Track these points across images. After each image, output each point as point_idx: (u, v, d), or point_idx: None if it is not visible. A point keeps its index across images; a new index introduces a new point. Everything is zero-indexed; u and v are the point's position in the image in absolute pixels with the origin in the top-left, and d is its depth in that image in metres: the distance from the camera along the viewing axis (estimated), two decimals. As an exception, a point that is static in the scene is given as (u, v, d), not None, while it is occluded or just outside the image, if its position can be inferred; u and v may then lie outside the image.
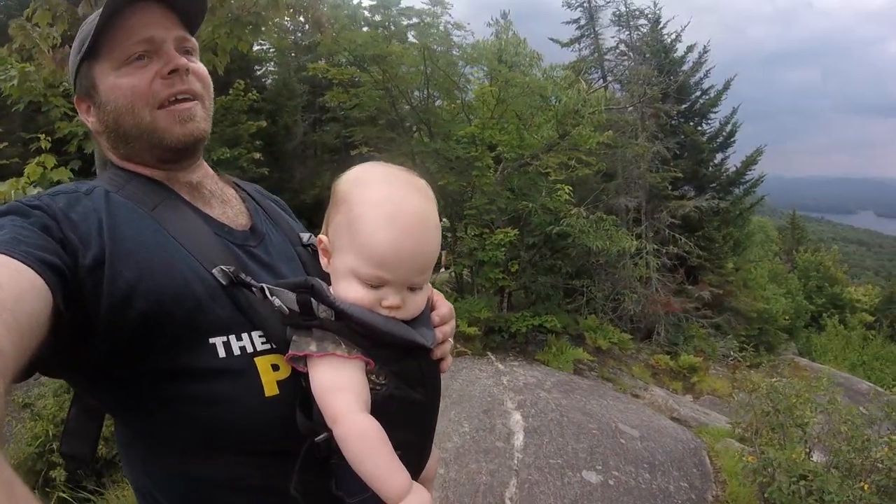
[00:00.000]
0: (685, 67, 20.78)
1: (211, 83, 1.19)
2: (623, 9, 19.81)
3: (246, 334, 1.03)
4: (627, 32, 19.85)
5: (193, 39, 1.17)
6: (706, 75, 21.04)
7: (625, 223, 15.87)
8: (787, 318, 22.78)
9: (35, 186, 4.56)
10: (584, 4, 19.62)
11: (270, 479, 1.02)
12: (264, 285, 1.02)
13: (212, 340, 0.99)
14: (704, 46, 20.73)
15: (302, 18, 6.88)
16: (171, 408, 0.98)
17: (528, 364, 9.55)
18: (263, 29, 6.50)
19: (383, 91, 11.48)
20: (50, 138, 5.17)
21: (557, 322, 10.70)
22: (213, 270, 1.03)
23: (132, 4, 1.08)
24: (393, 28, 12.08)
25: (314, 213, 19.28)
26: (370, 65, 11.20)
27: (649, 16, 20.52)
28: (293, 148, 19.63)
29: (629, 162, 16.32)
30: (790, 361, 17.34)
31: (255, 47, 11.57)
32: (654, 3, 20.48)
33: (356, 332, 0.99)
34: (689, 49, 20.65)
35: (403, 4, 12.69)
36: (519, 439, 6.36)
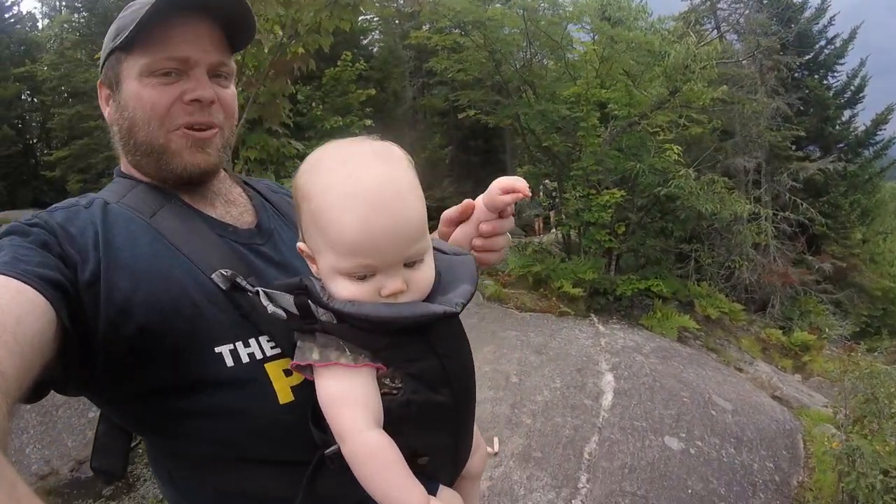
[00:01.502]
0: (806, 14, 19.13)
1: (235, 111, 1.16)
2: None
3: (253, 340, 0.99)
4: None
5: (232, 64, 1.14)
6: (830, 22, 19.25)
7: (743, 185, 15.15)
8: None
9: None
10: None
11: (298, 489, 0.96)
12: (260, 289, 0.95)
13: (218, 349, 0.96)
14: None
15: None
16: (185, 423, 0.96)
17: (631, 328, 9.41)
18: (362, 9, 6.72)
19: (487, 54, 11.41)
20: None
21: (665, 287, 10.39)
22: (213, 275, 0.99)
23: (178, 14, 1.04)
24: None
25: (427, 174, 19.81)
26: (471, 30, 11.18)
27: None
28: (403, 113, 20.07)
29: (747, 119, 15.37)
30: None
31: (360, 18, 11.82)
32: None
33: (364, 331, 0.89)
34: None
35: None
36: (608, 399, 6.41)
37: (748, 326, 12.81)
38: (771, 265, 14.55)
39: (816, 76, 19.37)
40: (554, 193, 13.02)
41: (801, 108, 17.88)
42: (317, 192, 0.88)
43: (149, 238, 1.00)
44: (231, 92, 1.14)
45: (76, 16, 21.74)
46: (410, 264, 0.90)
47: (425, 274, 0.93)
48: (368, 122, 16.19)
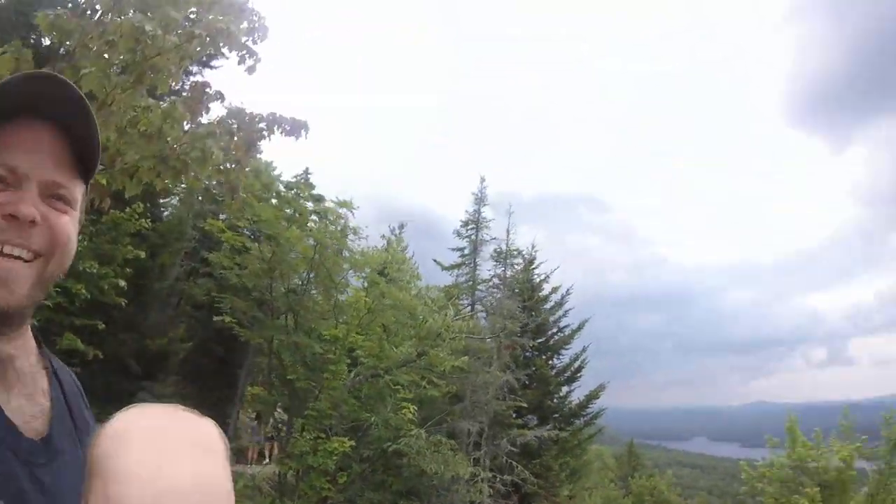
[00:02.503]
0: (548, 306, 23.46)
1: (69, 245, 0.95)
2: (504, 247, 22.19)
3: None
4: (503, 268, 22.10)
5: (74, 191, 0.97)
6: (565, 314, 23.66)
7: (465, 446, 16.24)
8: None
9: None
10: (472, 236, 21.78)
11: None
12: None
13: None
14: (568, 289, 23.79)
15: (221, 179, 7.08)
16: None
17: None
18: (183, 177, 6.71)
19: (267, 268, 11.74)
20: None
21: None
22: None
23: (15, 118, 0.91)
24: (297, 212, 12.58)
25: (154, 364, 18.29)
26: (264, 241, 11.56)
27: (525, 255, 23.43)
28: (161, 289, 18.91)
29: (478, 387, 16.96)
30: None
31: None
32: (532, 245, 23.85)
33: None
34: (554, 290, 23.73)
35: (316, 191, 13.31)
36: None
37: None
38: (486, 523, 15.36)
39: (545, 356, 23.03)
40: (281, 426, 12.89)
41: (527, 382, 20.67)
42: (117, 478, 0.70)
43: None
44: (66, 220, 0.94)
45: None
46: None
47: None
48: (122, 283, 15.19)
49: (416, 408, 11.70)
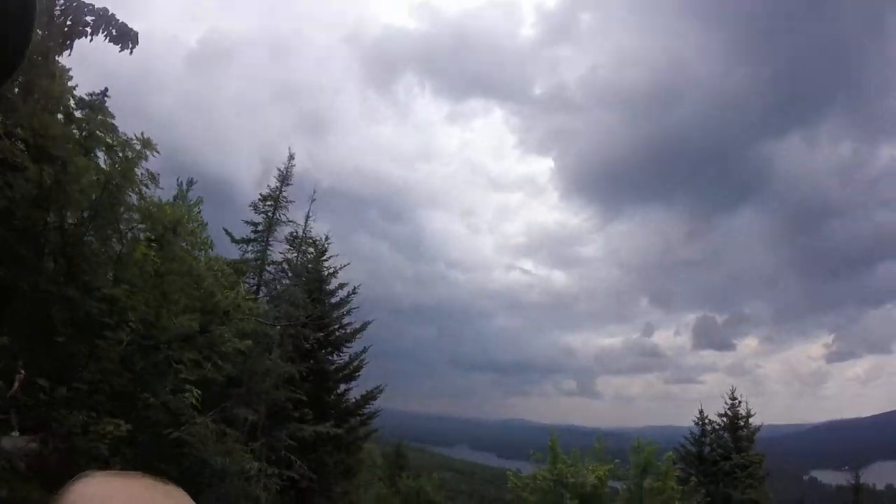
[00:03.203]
0: (334, 300, 22.52)
1: None
2: (300, 232, 21.06)
3: None
4: (296, 254, 20.96)
5: None
6: (349, 312, 22.89)
7: (242, 435, 14.78)
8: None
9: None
10: (269, 213, 20.10)
11: None
12: None
13: None
14: (354, 288, 22.89)
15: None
16: None
17: None
18: None
19: (42, 195, 9.38)
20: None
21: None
22: None
23: None
24: (86, 136, 10.17)
25: None
26: (45, 161, 9.19)
27: (319, 245, 22.32)
28: None
29: (257, 374, 15.65)
30: None
31: None
32: (325, 236, 22.68)
33: None
34: (342, 286, 22.73)
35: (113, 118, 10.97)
36: None
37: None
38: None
39: (324, 350, 22.01)
40: (41, 394, 10.16)
41: (306, 375, 19.43)
42: None
43: None
44: None
45: None
46: None
47: None
48: None
49: (199, 393, 10.15)
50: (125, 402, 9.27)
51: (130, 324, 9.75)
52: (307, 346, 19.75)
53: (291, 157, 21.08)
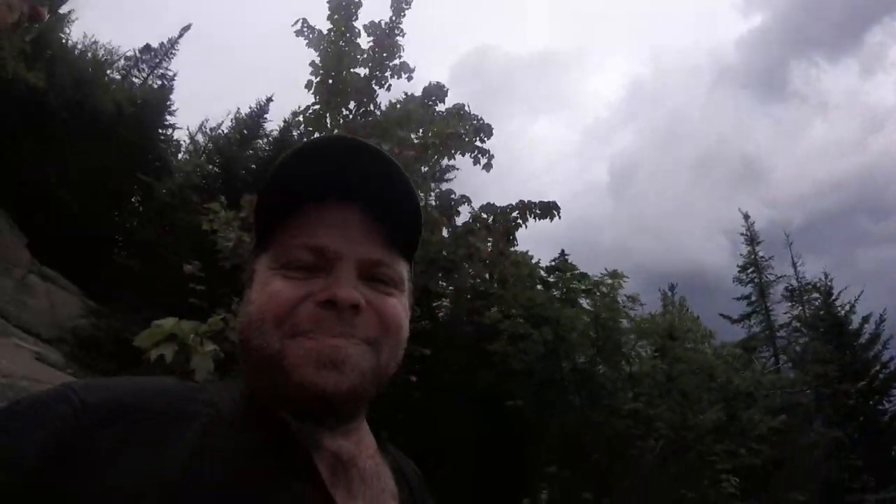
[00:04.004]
0: (862, 340, 19.31)
1: (402, 331, 0.83)
2: (794, 283, 19.65)
3: None
4: (800, 308, 19.32)
5: (397, 267, 0.84)
6: (884, 346, 19.29)
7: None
8: None
9: (205, 344, 4.44)
10: (755, 280, 19.26)
11: None
12: None
13: None
14: (880, 315, 19.42)
15: (489, 275, 7.39)
16: None
17: None
18: (455, 276, 7.07)
19: (550, 350, 11.61)
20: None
21: None
22: None
23: (319, 201, 0.81)
24: (566, 291, 12.50)
25: (447, 453, 18.99)
26: (542, 324, 11.51)
27: (821, 288, 19.91)
28: (449, 382, 19.95)
29: (802, 450, 14.49)
30: None
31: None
32: (825, 274, 20.08)
33: None
34: (865, 320, 19.45)
35: (578, 269, 13.23)
36: None
37: None
38: None
39: (871, 402, 18.65)
40: None
41: (856, 436, 16.99)
42: None
43: None
44: (394, 302, 0.82)
45: (210, 166, 23.99)
46: None
47: None
48: (414, 378, 16.32)
49: (737, 480, 10.28)
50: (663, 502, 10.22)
51: (659, 430, 10.78)
52: (850, 402, 17.56)
53: (747, 217, 20.32)
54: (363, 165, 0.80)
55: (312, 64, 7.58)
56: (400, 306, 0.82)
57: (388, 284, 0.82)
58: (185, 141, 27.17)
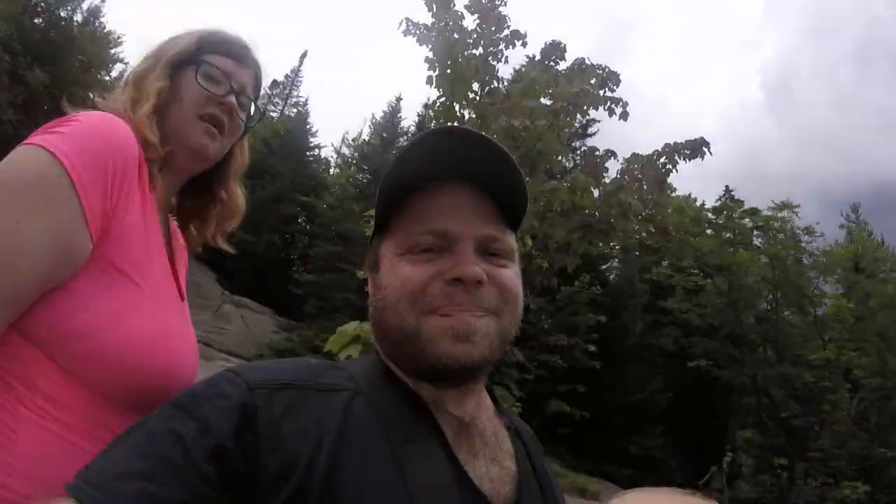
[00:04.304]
0: None
1: (519, 297, 0.92)
2: None
3: None
4: None
5: (509, 241, 0.93)
6: None
7: None
8: None
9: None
10: None
11: None
12: None
13: None
14: None
15: (650, 228, 7.15)
16: None
17: None
18: (612, 236, 6.92)
19: (728, 301, 10.95)
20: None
21: None
22: None
23: (429, 183, 0.90)
24: (737, 232, 11.60)
25: (637, 418, 18.35)
26: (715, 274, 10.90)
27: None
28: (628, 346, 19.45)
29: None
30: None
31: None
32: None
33: None
34: None
35: (747, 205, 12.23)
36: None
37: None
38: None
39: None
40: (780, 472, 10.80)
41: None
42: None
43: (390, 482, 0.76)
44: (510, 273, 0.91)
45: (360, 175, 25.62)
46: None
47: None
48: (592, 347, 16.09)
49: None
50: (863, 463, 9.15)
51: (861, 380, 9.81)
52: None
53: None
54: (463, 148, 0.87)
55: (427, 59, 7.70)
56: (514, 276, 0.91)
57: (502, 257, 0.90)
58: (332, 157, 28.60)
